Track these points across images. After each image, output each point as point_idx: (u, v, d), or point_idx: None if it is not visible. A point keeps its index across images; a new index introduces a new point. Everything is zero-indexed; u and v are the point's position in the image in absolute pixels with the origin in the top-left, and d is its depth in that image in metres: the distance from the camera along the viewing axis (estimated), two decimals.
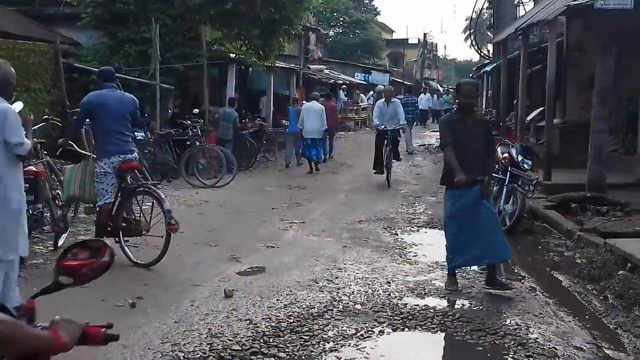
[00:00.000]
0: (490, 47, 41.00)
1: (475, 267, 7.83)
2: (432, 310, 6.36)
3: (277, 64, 22.64)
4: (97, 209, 8.02)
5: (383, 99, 15.62)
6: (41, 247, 8.44)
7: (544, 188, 12.21)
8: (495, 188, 10.75)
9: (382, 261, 8.27)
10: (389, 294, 6.88)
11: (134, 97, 8.33)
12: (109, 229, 7.90)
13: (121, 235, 7.99)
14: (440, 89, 63.08)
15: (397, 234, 9.97)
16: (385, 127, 14.86)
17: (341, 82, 36.62)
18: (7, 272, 5.32)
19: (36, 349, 1.84)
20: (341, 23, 57.79)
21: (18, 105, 8.92)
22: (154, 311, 6.29)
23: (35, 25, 18.34)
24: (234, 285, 7.11)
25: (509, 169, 10.30)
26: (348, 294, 6.84)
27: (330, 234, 9.82)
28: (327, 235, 9.77)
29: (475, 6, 26.38)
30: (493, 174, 10.95)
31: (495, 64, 19.68)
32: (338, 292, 6.90)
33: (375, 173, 15.18)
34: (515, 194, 10.11)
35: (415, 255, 8.67)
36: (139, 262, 7.81)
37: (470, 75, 48.66)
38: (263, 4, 18.55)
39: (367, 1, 66.67)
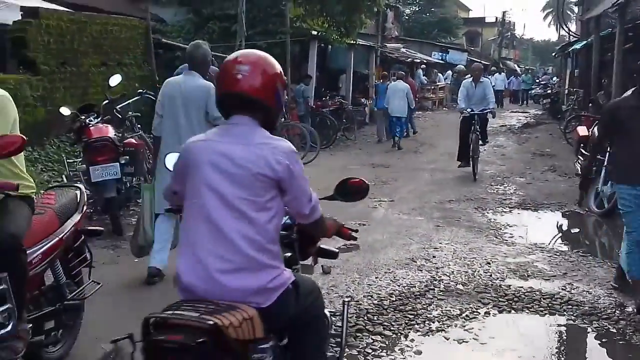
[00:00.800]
0: (572, 25, 39.87)
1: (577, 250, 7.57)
2: (538, 293, 6.15)
3: (357, 42, 22.44)
4: None
5: (470, 79, 13.39)
6: None
7: None
8: (593, 169, 10.41)
9: (478, 241, 8.06)
10: (490, 275, 6.69)
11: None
12: None
13: None
14: (518, 69, 61.68)
15: (488, 215, 9.73)
16: (472, 110, 12.93)
17: (418, 61, 36.09)
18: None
19: (330, 231, 3.35)
20: (418, 1, 56.97)
21: (117, 78, 9.11)
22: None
23: (122, 1, 18.60)
24: (330, 261, 7.03)
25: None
26: (448, 274, 6.68)
27: (421, 213, 9.65)
28: (417, 214, 9.61)
29: None
30: (588, 153, 10.67)
31: (585, 42, 18.97)
32: (437, 272, 6.75)
33: (460, 166, 13.15)
34: None
35: (512, 237, 8.43)
36: None
37: (554, 54, 47.43)
38: None
39: None
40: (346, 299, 4.63)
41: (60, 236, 4.10)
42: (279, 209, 2.88)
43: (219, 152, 2.82)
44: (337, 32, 19.83)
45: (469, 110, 12.92)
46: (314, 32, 19.58)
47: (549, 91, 29.68)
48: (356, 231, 3.65)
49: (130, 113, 9.22)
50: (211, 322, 2.42)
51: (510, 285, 6.36)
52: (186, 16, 19.00)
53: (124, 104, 9.45)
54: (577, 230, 9.36)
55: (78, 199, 4.48)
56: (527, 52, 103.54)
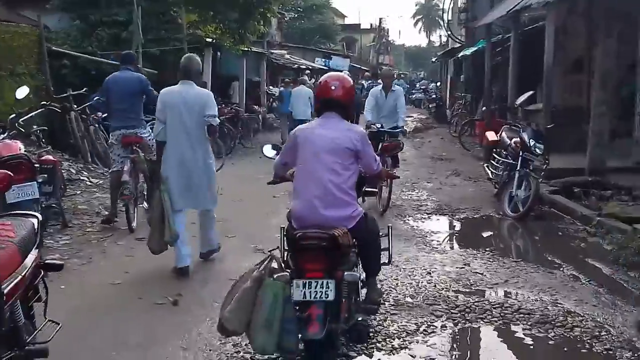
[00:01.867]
0: (440, 32, 41.19)
1: (510, 256, 7.65)
2: (487, 302, 6.13)
3: (251, 49, 22.18)
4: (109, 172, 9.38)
5: (380, 87, 11.08)
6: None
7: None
8: (504, 173, 10.64)
9: (410, 250, 8.01)
10: (435, 285, 6.63)
11: (140, 76, 9.08)
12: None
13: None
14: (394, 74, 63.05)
15: (410, 222, 9.74)
16: (381, 126, 10.50)
17: (304, 67, 36.18)
18: (205, 219, 7.34)
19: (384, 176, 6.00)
20: (296, 7, 57.17)
21: (24, 90, 8.48)
22: (199, 308, 5.93)
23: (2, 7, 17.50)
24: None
25: (521, 154, 10.13)
26: (393, 286, 6.56)
27: None
28: None
29: None
30: (500, 158, 10.90)
31: (476, 48, 19.54)
32: (382, 284, 6.60)
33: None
34: (527, 179, 9.95)
35: (440, 244, 8.44)
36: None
37: (433, 60, 48.83)
38: None
39: None
40: (389, 225, 5.79)
41: (22, 274, 3.65)
42: (356, 169, 4.83)
43: (319, 134, 4.77)
44: (230, 39, 19.49)
45: (377, 125, 10.44)
46: (208, 39, 19.16)
47: (433, 96, 30.41)
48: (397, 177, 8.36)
49: (35, 127, 8.60)
50: (330, 233, 4.40)
51: (457, 296, 6.31)
52: (71, 22, 18.10)
53: (26, 117, 8.81)
54: (499, 234, 9.48)
55: (36, 230, 4.02)
56: (400, 57, 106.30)
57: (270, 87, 29.32)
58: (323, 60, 43.40)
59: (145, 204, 9.20)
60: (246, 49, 20.75)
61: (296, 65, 34.99)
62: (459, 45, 25.89)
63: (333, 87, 4.87)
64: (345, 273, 4.49)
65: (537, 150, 10.11)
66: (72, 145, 11.93)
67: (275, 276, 4.44)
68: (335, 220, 4.54)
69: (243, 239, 8.44)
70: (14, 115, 8.12)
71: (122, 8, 17.74)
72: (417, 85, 45.94)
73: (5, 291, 3.40)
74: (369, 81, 27.13)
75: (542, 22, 16.95)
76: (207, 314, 5.77)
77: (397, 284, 6.65)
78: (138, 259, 7.45)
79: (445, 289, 6.52)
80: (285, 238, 4.90)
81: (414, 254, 7.86)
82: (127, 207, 8.60)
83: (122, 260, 7.44)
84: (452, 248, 8.23)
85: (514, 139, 10.59)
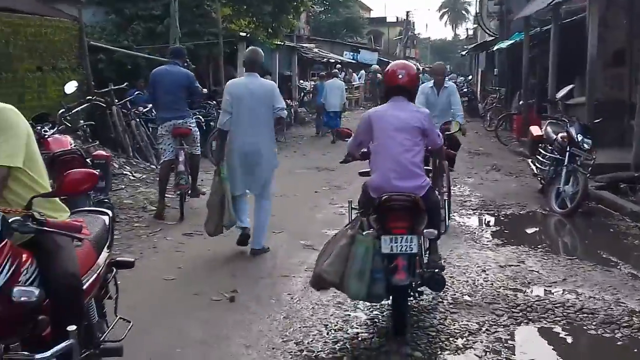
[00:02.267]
0: (467, 25, 40.77)
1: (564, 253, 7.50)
2: (548, 302, 5.99)
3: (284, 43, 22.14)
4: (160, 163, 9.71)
5: (431, 84, 9.71)
6: None
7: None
8: (551, 169, 10.47)
9: (460, 247, 7.88)
10: (492, 284, 6.50)
11: (187, 72, 9.41)
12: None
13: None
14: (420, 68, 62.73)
15: (456, 218, 9.58)
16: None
17: (333, 61, 36.09)
18: (260, 213, 7.54)
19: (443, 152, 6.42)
20: (323, 1, 56.96)
21: (73, 84, 8.48)
22: (256, 305, 5.87)
23: (35, 0, 17.54)
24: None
25: (568, 149, 9.95)
26: (449, 284, 6.43)
27: None
28: None
29: None
30: (546, 154, 10.72)
31: (512, 41, 19.30)
32: None
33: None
34: (575, 175, 9.77)
35: (490, 240, 8.31)
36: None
37: (463, 53, 48.42)
38: None
39: None
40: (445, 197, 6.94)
41: (97, 271, 3.62)
42: (423, 145, 5.52)
43: (391, 115, 5.46)
44: (264, 32, 19.43)
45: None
46: (242, 34, 19.11)
47: (465, 89, 30.15)
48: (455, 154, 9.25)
49: (81, 122, 8.60)
50: (412, 196, 5.14)
51: (516, 294, 6.19)
52: (106, 17, 18.10)
53: (72, 111, 8.80)
54: (549, 231, 9.33)
55: (108, 227, 3.99)
56: (426, 51, 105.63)
57: (301, 81, 29.29)
58: (351, 53, 43.26)
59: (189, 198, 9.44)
60: (280, 42, 20.66)
61: (325, 59, 34.91)
62: (492, 38, 25.60)
63: (400, 75, 5.61)
64: (425, 230, 5.24)
65: (585, 145, 9.93)
66: (113, 140, 11.93)
67: (364, 233, 5.19)
68: (408, 189, 5.24)
69: (290, 234, 8.37)
70: (63, 110, 8.11)
71: (158, 2, 17.73)
72: (447, 79, 45.50)
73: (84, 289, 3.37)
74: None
75: (582, 15, 16.72)
76: (265, 311, 5.71)
77: (452, 281, 6.52)
78: (189, 255, 7.42)
79: (503, 287, 6.40)
80: (364, 205, 5.60)
81: (465, 250, 7.74)
82: (182, 196, 9.02)
83: (173, 255, 7.40)
84: (503, 245, 8.07)
85: (560, 134, 10.40)
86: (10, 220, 3.01)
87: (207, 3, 18.75)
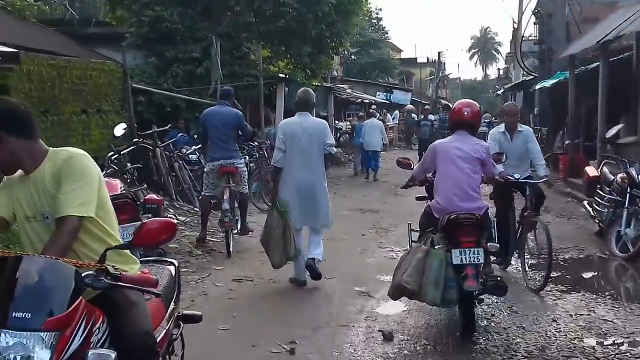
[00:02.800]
0: (498, 64, 40.51)
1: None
2: (629, 355, 5.59)
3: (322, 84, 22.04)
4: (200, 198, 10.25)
5: (502, 129, 8.43)
6: None
7: None
8: (610, 211, 10.06)
9: (524, 295, 7.49)
10: (565, 335, 6.10)
11: (237, 112, 9.68)
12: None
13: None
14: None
15: (512, 263, 9.17)
16: (514, 176, 7.81)
17: (367, 101, 36.06)
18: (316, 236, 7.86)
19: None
20: (355, 42, 57.16)
21: (122, 127, 8.35)
22: (318, 358, 5.53)
23: (77, 45, 17.65)
24: (385, 325, 6.36)
25: (629, 190, 9.55)
26: (520, 335, 6.07)
27: None
28: None
29: (521, 24, 25.62)
30: (605, 195, 10.31)
31: (556, 80, 18.99)
32: (507, 333, 6.13)
33: (498, 263, 8.23)
34: (637, 217, 9.34)
35: (554, 287, 7.87)
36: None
37: (498, 93, 48.05)
38: (315, 21, 17.94)
39: (375, 21, 66.13)
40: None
41: (166, 327, 3.35)
42: (480, 173, 6.32)
43: (455, 147, 6.29)
44: (302, 73, 19.35)
45: (516, 175, 7.88)
46: (281, 75, 19.04)
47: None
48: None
49: (129, 165, 8.43)
50: (476, 214, 5.97)
51: (594, 347, 5.79)
52: (145, 59, 18.16)
53: (121, 153, 8.65)
54: (612, 277, 8.89)
55: (174, 278, 3.73)
56: (456, 90, 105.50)
57: (336, 122, 29.18)
58: (384, 94, 43.26)
59: (237, 231, 9.80)
60: (318, 84, 20.56)
61: (359, 100, 34.87)
62: (531, 77, 25.30)
63: (465, 113, 6.53)
64: (489, 244, 6.21)
65: None
66: (155, 182, 11.77)
67: (436, 247, 6.05)
68: (470, 210, 6.08)
69: (343, 280, 8.05)
70: (112, 152, 7.95)
71: (197, 44, 17.76)
72: (481, 119, 45.13)
73: None
74: (441, 114, 26.64)
75: (628, 53, 16.40)
76: None
77: (523, 332, 6.15)
78: (241, 302, 7.13)
79: (577, 339, 6.00)
80: (426, 225, 6.53)
81: (530, 297, 7.35)
82: (227, 234, 9.15)
83: (225, 302, 7.11)
84: (567, 292, 7.65)
85: (619, 175, 10.01)
86: (83, 275, 2.77)
87: (246, 45, 18.76)
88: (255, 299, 7.14)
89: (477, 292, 6.06)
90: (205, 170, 9.71)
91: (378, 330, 6.18)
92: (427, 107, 37.52)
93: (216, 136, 9.33)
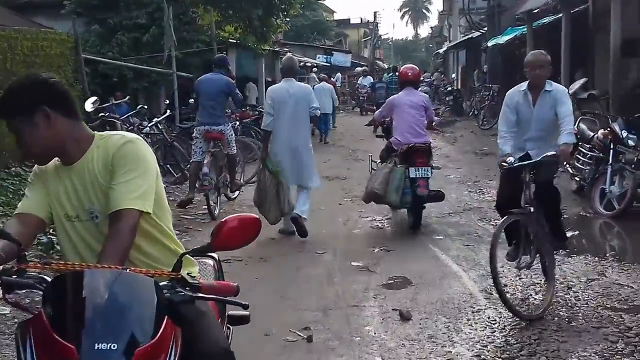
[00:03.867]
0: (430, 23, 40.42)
1: None
2: None
3: (266, 48, 21.34)
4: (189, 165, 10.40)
5: (523, 87, 6.05)
6: None
7: None
8: (591, 168, 9.90)
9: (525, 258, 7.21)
10: (587, 303, 5.86)
11: (228, 79, 9.90)
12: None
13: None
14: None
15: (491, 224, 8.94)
16: (524, 157, 5.98)
17: (309, 64, 35.44)
18: (302, 194, 8.41)
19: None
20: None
21: (92, 101, 7.86)
22: (340, 345, 5.12)
23: (13, 14, 16.60)
24: (397, 303, 6.00)
25: (612, 146, 9.39)
26: (536, 304, 5.79)
27: (434, 231, 8.73)
28: (432, 232, 8.68)
29: None
30: (586, 152, 10.10)
31: (512, 36, 18.77)
32: (528, 305, 5.85)
33: (509, 259, 6.25)
34: (622, 174, 9.20)
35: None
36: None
37: (440, 52, 47.97)
38: None
39: None
40: None
41: (225, 335, 2.89)
42: (424, 117, 8.81)
43: (406, 99, 8.83)
44: (253, 38, 18.69)
45: (514, 158, 5.80)
46: (232, 40, 18.34)
47: (449, 88, 29.68)
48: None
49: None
50: (426, 144, 8.67)
51: (621, 315, 5.54)
52: (87, 28, 17.20)
53: None
54: (606, 236, 8.74)
55: (217, 275, 3.27)
56: (389, 51, 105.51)
57: None
58: (325, 56, 42.59)
59: (229, 193, 10.45)
60: (269, 47, 19.92)
61: (302, 63, 34.19)
62: (478, 34, 25.11)
63: (410, 74, 9.29)
64: (432, 164, 8.86)
65: (630, 142, 9.37)
66: None
67: (398, 166, 8.42)
68: (420, 142, 8.58)
69: (337, 255, 7.66)
70: None
71: (142, 10, 16.91)
72: (422, 79, 44.97)
73: None
74: (388, 74, 26.33)
75: (584, 6, 16.29)
76: (354, 352, 4.98)
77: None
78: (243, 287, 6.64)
79: (601, 307, 5.75)
80: (387, 155, 8.94)
81: (535, 264, 7.08)
82: (207, 197, 9.50)
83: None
84: (567, 255, 7.40)
85: (600, 131, 9.84)
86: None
87: (192, 10, 17.97)
88: (252, 281, 6.67)
89: (425, 197, 8.52)
90: (193, 134, 10.11)
91: (392, 309, 5.81)
92: (364, 68, 37.16)
93: (207, 102, 9.58)
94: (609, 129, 9.61)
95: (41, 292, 2.29)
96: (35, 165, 2.83)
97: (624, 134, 9.37)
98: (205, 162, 9.48)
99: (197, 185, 9.67)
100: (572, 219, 9.32)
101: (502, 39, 19.30)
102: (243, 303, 2.51)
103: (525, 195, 5.84)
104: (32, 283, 2.35)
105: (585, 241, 8.29)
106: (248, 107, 19.55)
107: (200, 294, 2.35)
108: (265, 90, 22.53)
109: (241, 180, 10.88)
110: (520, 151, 6.03)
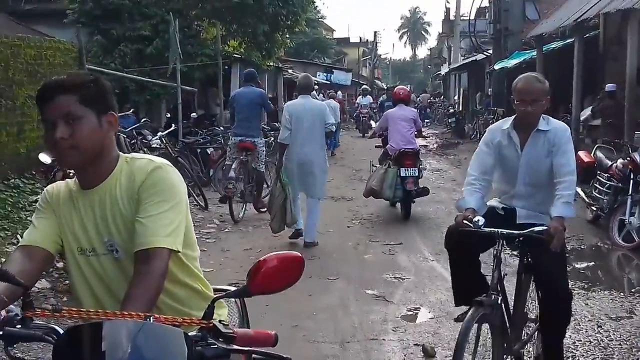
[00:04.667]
0: (427, 44, 40.28)
1: None
2: None
3: (270, 64, 21.08)
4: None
5: (507, 125, 4.45)
6: None
7: None
8: (610, 198, 9.60)
9: None
10: (620, 344, 5.52)
11: (261, 91, 10.90)
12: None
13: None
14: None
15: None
16: (476, 221, 4.06)
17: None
18: (313, 207, 8.88)
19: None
20: None
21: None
22: None
23: (15, 23, 16.29)
24: (419, 337, 5.66)
25: (632, 177, 9.09)
26: (574, 348, 5.46)
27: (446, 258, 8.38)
28: (446, 260, 8.33)
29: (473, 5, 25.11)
30: (605, 182, 9.80)
31: (520, 60, 18.56)
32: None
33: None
34: None
35: (573, 284, 7.30)
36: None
37: (443, 73, 47.89)
38: None
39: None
40: None
41: None
42: (414, 127, 10.91)
43: (399, 113, 10.91)
44: (257, 53, 18.43)
45: (479, 218, 4.06)
46: (236, 55, 18.07)
47: (451, 110, 29.48)
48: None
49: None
50: (414, 150, 10.75)
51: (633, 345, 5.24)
52: (90, 38, 16.90)
53: None
54: (626, 270, 8.43)
55: (241, 311, 2.95)
56: (386, 71, 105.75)
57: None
58: (325, 74, 42.40)
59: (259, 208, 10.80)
60: (272, 64, 19.67)
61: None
62: (483, 57, 24.93)
63: (401, 93, 11.45)
64: (420, 166, 10.69)
65: None
66: None
67: (391, 167, 10.37)
68: (410, 148, 10.51)
69: (350, 282, 7.31)
70: None
71: (146, 22, 16.64)
72: (419, 100, 44.79)
73: None
74: (382, 97, 26.29)
75: (594, 32, 16.11)
76: None
77: (575, 343, 5.54)
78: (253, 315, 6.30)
79: (635, 348, 5.43)
80: (384, 159, 10.95)
81: None
82: (229, 200, 10.06)
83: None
84: (590, 289, 7.09)
85: (619, 160, 9.55)
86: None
87: (196, 23, 17.71)
88: (262, 308, 6.31)
89: (413, 192, 10.53)
90: (229, 143, 10.96)
91: (415, 344, 5.48)
92: (364, 86, 36.95)
93: (242, 115, 10.30)
94: (628, 158, 9.32)
95: (51, 345, 1.95)
96: (45, 190, 2.51)
97: None
98: (233, 166, 10.20)
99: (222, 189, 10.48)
100: (591, 250, 9.05)
101: (510, 63, 19.09)
102: (285, 357, 2.15)
103: (493, 278, 4.13)
104: (41, 335, 2.01)
105: (606, 275, 7.99)
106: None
107: (235, 346, 2.01)
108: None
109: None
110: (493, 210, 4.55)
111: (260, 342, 2.12)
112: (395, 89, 12.54)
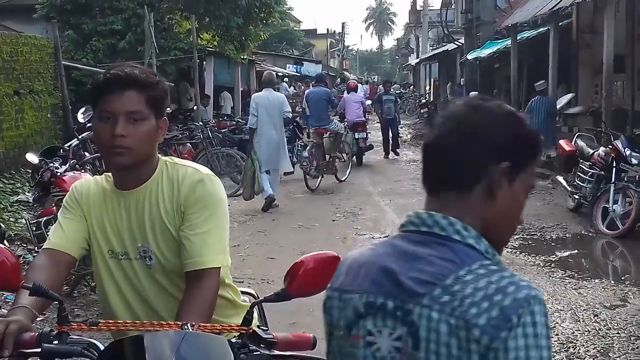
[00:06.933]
0: (394, 35, 40.31)
1: None
2: None
3: (244, 57, 20.91)
4: None
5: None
6: None
7: None
8: (593, 186, 9.67)
9: (539, 282, 6.92)
10: (619, 334, 5.55)
11: (327, 90, 14.57)
12: None
13: None
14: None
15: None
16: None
17: (281, 74, 35.08)
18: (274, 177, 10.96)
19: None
20: None
21: (83, 110, 7.37)
22: None
23: None
24: None
25: (615, 164, 9.17)
26: (572, 339, 5.47)
27: None
28: None
29: None
30: (587, 170, 9.86)
31: (495, 49, 18.62)
32: (557, 336, 5.53)
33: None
34: (625, 193, 8.99)
35: (564, 273, 7.35)
36: None
37: (413, 64, 47.92)
38: None
39: None
40: None
41: None
42: (362, 106, 16.64)
43: (352, 97, 16.33)
44: (231, 47, 18.26)
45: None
46: (210, 48, 17.88)
47: (423, 100, 29.56)
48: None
49: (87, 154, 7.32)
50: (365, 120, 16.65)
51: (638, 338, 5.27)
52: (60, 33, 16.60)
53: (71, 143, 7.51)
54: (613, 257, 8.53)
55: (260, 313, 2.88)
56: (354, 62, 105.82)
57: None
58: (295, 66, 42.25)
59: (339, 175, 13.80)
60: (246, 57, 19.51)
61: (275, 73, 33.84)
62: (455, 47, 25.02)
63: (352, 84, 17.41)
64: (366, 131, 16.61)
65: (633, 159, 9.15)
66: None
67: (349, 133, 15.10)
68: (361, 119, 16.13)
69: None
70: (76, 141, 6.84)
71: (117, 16, 16.39)
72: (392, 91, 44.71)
73: None
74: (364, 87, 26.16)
75: (567, 20, 16.22)
76: None
77: (574, 333, 5.56)
78: None
79: (633, 337, 5.46)
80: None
81: (552, 288, 6.80)
82: (304, 174, 12.41)
83: None
84: (582, 278, 7.14)
85: (601, 148, 9.63)
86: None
87: (169, 16, 17.48)
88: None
89: (363, 147, 15.79)
90: (310, 131, 14.46)
91: None
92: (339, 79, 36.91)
93: (314, 109, 13.29)
94: (610, 146, 9.40)
95: None
96: (73, 187, 2.39)
97: (627, 152, 9.16)
98: (307, 148, 12.68)
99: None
100: (576, 238, 9.13)
101: (483, 52, 19.16)
102: (319, 357, 2.11)
103: None
104: (80, 350, 1.93)
105: (593, 263, 8.06)
106: (226, 117, 19.13)
107: (277, 352, 1.96)
108: (241, 100, 22.28)
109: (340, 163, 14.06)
110: None
111: (301, 346, 2.08)
112: (349, 81, 19.37)
